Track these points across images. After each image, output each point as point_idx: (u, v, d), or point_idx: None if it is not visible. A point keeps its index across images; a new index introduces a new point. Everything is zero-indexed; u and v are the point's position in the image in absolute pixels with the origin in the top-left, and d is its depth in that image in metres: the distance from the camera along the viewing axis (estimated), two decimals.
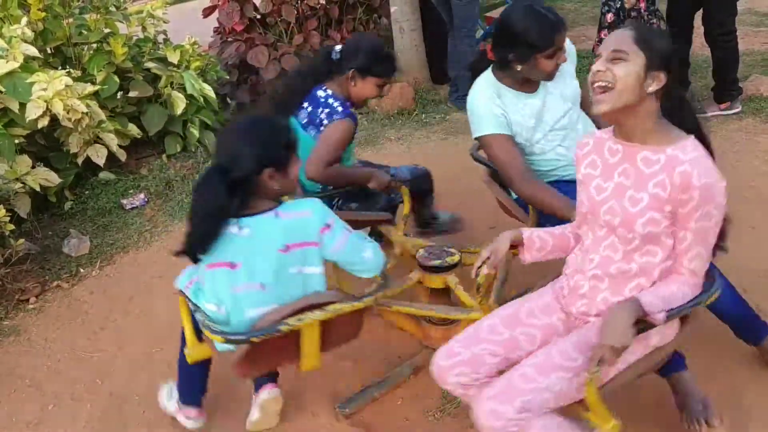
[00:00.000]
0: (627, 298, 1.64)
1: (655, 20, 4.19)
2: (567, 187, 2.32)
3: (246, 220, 1.92)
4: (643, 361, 1.79)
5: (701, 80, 4.82)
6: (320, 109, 2.68)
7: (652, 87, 1.65)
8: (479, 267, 1.94)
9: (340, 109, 2.66)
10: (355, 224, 2.50)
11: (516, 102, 2.50)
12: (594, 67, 1.68)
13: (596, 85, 1.67)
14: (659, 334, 1.76)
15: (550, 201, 2.35)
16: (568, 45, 2.47)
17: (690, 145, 1.65)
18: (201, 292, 2.05)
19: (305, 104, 2.74)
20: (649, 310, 1.58)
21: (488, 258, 1.92)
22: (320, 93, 2.71)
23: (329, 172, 2.64)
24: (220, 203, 1.86)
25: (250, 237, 1.92)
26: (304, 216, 1.98)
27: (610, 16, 4.21)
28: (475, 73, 2.65)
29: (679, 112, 1.72)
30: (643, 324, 1.60)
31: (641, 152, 1.71)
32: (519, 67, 2.41)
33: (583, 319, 1.84)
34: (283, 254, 1.95)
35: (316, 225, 1.98)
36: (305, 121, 2.73)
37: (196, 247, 1.92)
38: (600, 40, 4.39)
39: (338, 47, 2.74)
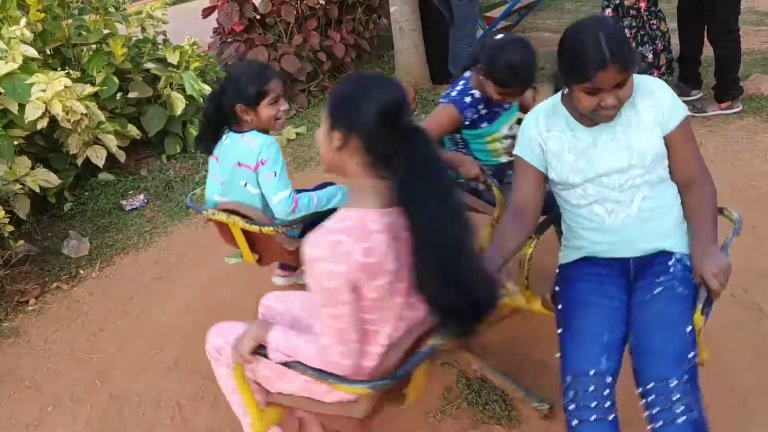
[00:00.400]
0: (264, 321, 1.90)
1: (655, 20, 4.17)
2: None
3: (230, 134, 2.52)
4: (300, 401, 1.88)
5: (702, 79, 4.80)
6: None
7: (335, 144, 1.56)
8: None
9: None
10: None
11: (565, 128, 2.01)
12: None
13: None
14: (306, 383, 1.80)
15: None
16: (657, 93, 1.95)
17: (341, 215, 1.56)
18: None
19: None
20: (270, 343, 1.70)
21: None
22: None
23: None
24: (208, 115, 2.54)
25: (226, 146, 2.53)
26: (252, 146, 2.45)
27: (609, 12, 4.20)
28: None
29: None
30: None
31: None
32: (566, 90, 1.99)
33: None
34: (236, 167, 2.48)
35: (254, 156, 2.43)
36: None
37: (198, 142, 2.73)
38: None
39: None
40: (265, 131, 2.55)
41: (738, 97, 4.43)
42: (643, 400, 1.70)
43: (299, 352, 1.65)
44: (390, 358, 1.68)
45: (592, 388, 1.74)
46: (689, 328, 1.73)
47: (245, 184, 2.51)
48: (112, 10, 4.84)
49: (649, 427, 1.68)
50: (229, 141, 2.53)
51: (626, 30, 4.09)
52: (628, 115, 1.91)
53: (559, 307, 1.97)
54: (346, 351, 1.55)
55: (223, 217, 2.53)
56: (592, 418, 1.72)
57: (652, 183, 1.92)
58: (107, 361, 2.93)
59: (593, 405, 1.73)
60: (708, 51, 4.46)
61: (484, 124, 2.69)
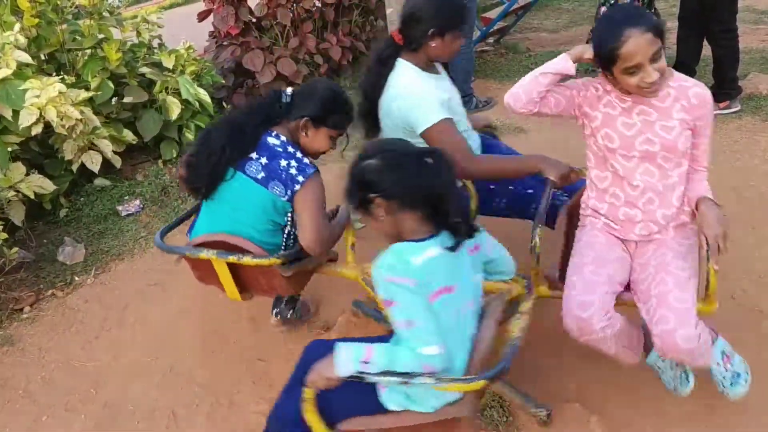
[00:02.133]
0: (703, 198, 2.00)
1: None
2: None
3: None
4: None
5: (701, 79, 4.76)
6: (284, 162, 2.26)
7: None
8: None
9: (307, 161, 2.31)
10: None
11: (435, 82, 2.50)
12: (648, 79, 1.89)
13: (654, 88, 1.93)
14: None
15: (505, 166, 2.47)
16: None
17: (679, 74, 2.03)
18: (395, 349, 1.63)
19: (255, 155, 2.29)
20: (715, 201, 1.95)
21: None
22: (272, 141, 2.31)
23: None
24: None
25: (450, 252, 1.67)
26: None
27: (603, 10, 4.17)
28: (383, 62, 2.51)
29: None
30: None
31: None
32: (433, 44, 2.41)
33: (645, 239, 2.12)
34: (471, 260, 1.78)
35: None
36: (262, 175, 2.27)
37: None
38: (593, 31, 4.34)
39: (289, 90, 2.40)
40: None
41: (736, 96, 4.41)
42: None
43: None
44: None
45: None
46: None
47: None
48: (106, 14, 4.82)
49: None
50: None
51: None
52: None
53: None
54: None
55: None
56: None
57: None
58: (102, 369, 2.90)
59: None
60: (705, 51, 4.44)
61: None
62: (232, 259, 2.27)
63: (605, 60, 1.94)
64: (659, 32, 1.86)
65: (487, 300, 1.86)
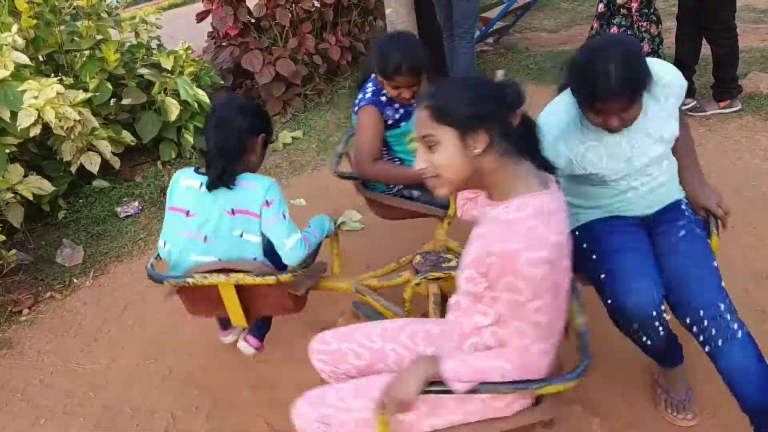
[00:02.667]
0: (427, 356, 1.58)
1: (645, 22, 4.08)
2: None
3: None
4: (471, 428, 1.65)
5: (700, 78, 4.76)
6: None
7: (478, 149, 1.46)
8: None
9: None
10: (407, 213, 2.77)
11: (599, 135, 2.04)
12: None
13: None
14: (482, 403, 1.61)
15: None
16: None
17: (520, 204, 1.47)
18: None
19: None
20: (448, 376, 1.49)
21: None
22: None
23: (376, 169, 2.59)
24: (238, 143, 2.22)
25: (206, 194, 2.18)
26: (252, 188, 2.18)
27: (601, 6, 4.15)
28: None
29: (529, 142, 1.56)
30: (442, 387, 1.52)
31: (492, 209, 1.55)
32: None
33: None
34: (228, 216, 2.18)
35: (259, 198, 2.17)
36: (238, 232, 2.26)
37: (215, 180, 2.16)
38: (592, 29, 4.32)
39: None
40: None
41: (737, 95, 4.40)
42: (695, 328, 1.88)
43: (489, 373, 1.49)
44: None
45: (657, 323, 1.91)
46: (715, 263, 1.96)
47: (241, 234, 2.20)
48: (104, 15, 4.82)
49: (707, 349, 1.87)
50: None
51: (614, 28, 4.04)
52: (654, 111, 2.00)
53: (594, 257, 2.05)
54: (547, 347, 1.49)
55: (220, 278, 2.20)
56: (662, 335, 1.97)
57: (669, 151, 2.11)
58: (101, 371, 2.89)
59: (662, 331, 1.95)
60: (705, 50, 4.42)
61: (403, 123, 2.68)
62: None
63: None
64: (444, 118, 1.46)
65: (246, 260, 2.24)
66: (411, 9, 5.46)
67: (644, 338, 1.96)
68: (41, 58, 4.56)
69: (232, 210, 2.18)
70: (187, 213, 2.21)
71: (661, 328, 1.93)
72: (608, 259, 2.00)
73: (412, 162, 2.72)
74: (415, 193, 2.77)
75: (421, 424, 1.63)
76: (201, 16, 5.87)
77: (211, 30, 6.01)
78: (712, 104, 4.41)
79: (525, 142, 1.53)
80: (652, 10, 4.07)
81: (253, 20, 5.74)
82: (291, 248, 2.20)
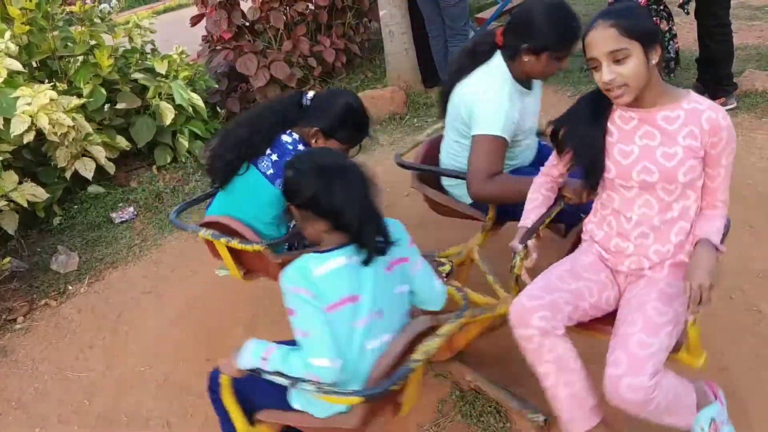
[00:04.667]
0: (703, 240, 1.77)
1: (654, 18, 4.06)
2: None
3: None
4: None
5: (695, 77, 4.75)
6: None
7: (654, 60, 1.75)
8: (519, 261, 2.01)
9: None
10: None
11: (519, 99, 2.40)
12: (603, 78, 1.75)
13: (613, 92, 1.77)
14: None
15: (515, 188, 2.27)
16: None
17: (698, 97, 1.82)
18: (290, 354, 1.68)
19: (269, 152, 2.37)
20: (718, 246, 1.76)
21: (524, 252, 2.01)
22: (286, 138, 2.38)
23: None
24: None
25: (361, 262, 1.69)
26: (396, 227, 1.80)
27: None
28: (475, 56, 2.43)
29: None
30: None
31: (659, 113, 1.82)
32: (526, 59, 2.30)
33: (636, 274, 1.95)
34: (388, 273, 1.75)
35: (406, 238, 1.81)
36: (271, 171, 2.36)
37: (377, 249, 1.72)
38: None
39: (310, 94, 2.45)
40: None
41: (732, 93, 4.38)
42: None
43: (721, 229, 1.81)
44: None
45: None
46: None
47: (399, 291, 1.80)
48: (97, 20, 4.79)
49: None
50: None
51: None
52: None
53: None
54: None
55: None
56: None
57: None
58: (96, 379, 2.88)
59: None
60: (693, 46, 4.40)
61: None
62: (224, 241, 2.36)
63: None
64: (631, 33, 1.69)
65: (418, 318, 1.83)
66: (405, 11, 5.46)
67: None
68: (34, 65, 4.55)
69: (390, 264, 1.76)
70: (353, 299, 1.68)
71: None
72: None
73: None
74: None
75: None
76: (195, 20, 5.87)
77: (205, 34, 6.00)
78: None
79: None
80: (662, 7, 4.04)
81: (247, 23, 5.74)
82: (440, 289, 1.94)
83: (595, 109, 1.93)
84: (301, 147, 2.36)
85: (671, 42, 4.12)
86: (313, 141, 2.37)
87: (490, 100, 2.33)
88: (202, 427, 2.51)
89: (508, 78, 2.37)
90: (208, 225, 2.48)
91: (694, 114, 1.79)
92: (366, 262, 1.67)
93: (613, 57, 1.72)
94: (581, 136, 1.95)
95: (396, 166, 2.73)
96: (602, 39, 1.73)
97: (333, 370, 1.60)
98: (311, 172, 1.67)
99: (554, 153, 2.11)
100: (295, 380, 1.62)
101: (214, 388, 1.97)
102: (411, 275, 1.83)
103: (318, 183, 1.64)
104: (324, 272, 1.64)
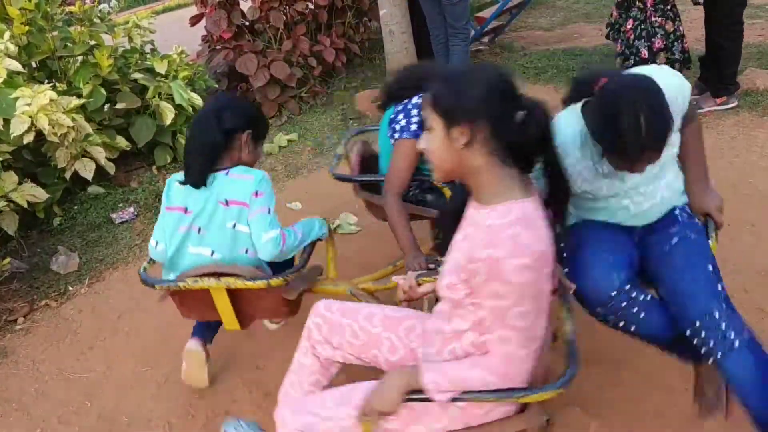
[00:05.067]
0: (408, 367, 1.62)
1: (659, 18, 4.01)
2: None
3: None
4: None
5: (695, 75, 4.74)
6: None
7: (459, 143, 1.44)
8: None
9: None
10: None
11: (598, 158, 1.99)
12: (419, 145, 1.60)
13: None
14: (461, 410, 1.60)
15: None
16: None
17: (503, 210, 1.44)
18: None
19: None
20: (429, 387, 1.51)
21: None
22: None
23: (398, 206, 2.45)
24: (216, 142, 2.25)
25: (205, 188, 2.23)
26: (246, 179, 2.23)
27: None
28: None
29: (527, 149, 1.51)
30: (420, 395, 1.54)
31: (476, 213, 1.53)
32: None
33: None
34: (222, 207, 2.22)
35: (250, 189, 2.21)
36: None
37: (194, 178, 2.23)
38: (611, 16, 4.28)
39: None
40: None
41: (734, 92, 4.38)
42: (695, 340, 1.83)
43: (470, 383, 1.50)
44: (545, 358, 1.64)
45: (624, 303, 1.90)
46: (710, 267, 1.90)
47: (233, 225, 2.22)
48: (97, 21, 4.79)
49: (710, 361, 1.83)
50: (210, 181, 2.23)
51: (630, 21, 3.97)
52: None
53: (564, 255, 2.03)
54: (528, 354, 1.47)
55: (210, 282, 2.18)
56: (642, 316, 1.92)
57: (668, 165, 2.04)
58: (96, 380, 2.87)
59: (635, 311, 1.91)
60: (700, 47, 4.38)
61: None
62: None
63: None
64: (438, 108, 1.48)
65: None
66: (405, 10, 5.45)
67: (620, 322, 1.94)
68: (34, 65, 4.55)
69: (226, 201, 2.22)
70: (185, 210, 2.26)
71: (634, 308, 1.91)
72: (575, 251, 2.01)
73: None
74: (429, 197, 2.71)
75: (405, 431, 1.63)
76: (194, 20, 5.86)
77: (205, 34, 5.99)
78: (709, 101, 4.38)
79: (522, 148, 1.49)
80: (669, 7, 4.01)
81: (247, 23, 5.73)
82: (265, 242, 2.21)
83: None
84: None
85: (676, 43, 4.07)
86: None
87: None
88: (203, 427, 2.49)
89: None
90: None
91: (477, 226, 1.49)
92: (182, 183, 2.26)
93: (425, 126, 1.56)
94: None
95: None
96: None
97: (155, 251, 2.33)
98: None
99: None
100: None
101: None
102: (249, 221, 2.22)
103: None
104: (173, 185, 2.29)
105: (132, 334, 3.15)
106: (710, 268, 1.89)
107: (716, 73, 4.34)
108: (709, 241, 2.00)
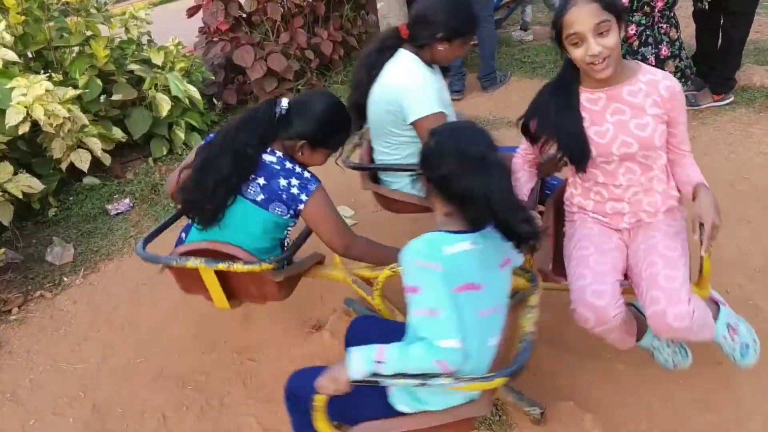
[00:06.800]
0: (700, 185, 1.94)
1: (665, 25, 3.94)
2: None
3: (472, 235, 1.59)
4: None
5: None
6: (283, 181, 2.14)
7: (623, 33, 1.89)
8: None
9: (308, 175, 2.18)
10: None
11: (434, 79, 2.53)
12: (590, 52, 1.85)
13: (597, 65, 1.88)
14: None
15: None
16: None
17: (648, 68, 2.01)
18: (409, 347, 1.51)
19: (253, 176, 2.15)
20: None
21: None
22: (269, 158, 2.16)
23: (359, 245, 2.27)
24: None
25: (482, 251, 1.60)
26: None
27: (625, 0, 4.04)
28: (383, 53, 2.54)
29: None
30: None
31: (623, 89, 1.99)
32: (441, 47, 2.47)
33: (637, 225, 2.11)
34: (502, 271, 1.68)
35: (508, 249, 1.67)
36: (261, 197, 2.15)
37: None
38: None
39: (284, 103, 2.21)
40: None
41: (733, 88, 4.38)
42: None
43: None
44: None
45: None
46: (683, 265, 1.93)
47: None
48: (93, 11, 4.77)
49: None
50: (485, 242, 1.60)
51: (633, 26, 3.89)
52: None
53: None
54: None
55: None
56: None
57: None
58: (91, 371, 2.86)
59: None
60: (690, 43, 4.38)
61: None
62: (222, 266, 2.17)
63: (557, 32, 1.92)
64: (610, 7, 1.83)
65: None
66: (403, 3, 5.44)
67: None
68: (30, 55, 4.52)
69: (504, 261, 1.68)
70: (475, 287, 1.58)
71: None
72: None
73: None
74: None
75: None
76: (192, 12, 5.83)
77: (202, 25, 5.97)
78: (707, 97, 4.38)
79: None
80: (672, 14, 3.96)
81: (244, 15, 5.70)
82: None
83: (564, 97, 2.04)
84: (288, 164, 2.16)
85: (681, 51, 4.01)
86: (299, 154, 2.21)
87: (417, 86, 2.45)
88: (198, 419, 2.49)
89: (421, 64, 2.51)
90: (190, 253, 2.26)
91: (653, 85, 1.98)
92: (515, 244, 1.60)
93: (597, 30, 1.83)
94: (560, 126, 2.03)
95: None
96: (586, 13, 1.83)
97: (460, 353, 1.46)
98: (451, 154, 1.55)
99: (526, 143, 2.24)
100: (424, 377, 1.48)
101: (298, 406, 1.84)
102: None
103: (454, 166, 1.53)
104: (454, 251, 1.53)
105: (127, 325, 3.14)
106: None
107: (718, 69, 4.33)
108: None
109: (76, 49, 4.55)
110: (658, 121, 1.98)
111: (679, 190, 2.09)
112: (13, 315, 3.33)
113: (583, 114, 2.03)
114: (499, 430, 2.24)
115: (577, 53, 1.89)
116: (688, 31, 4.55)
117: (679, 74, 3.91)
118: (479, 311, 1.57)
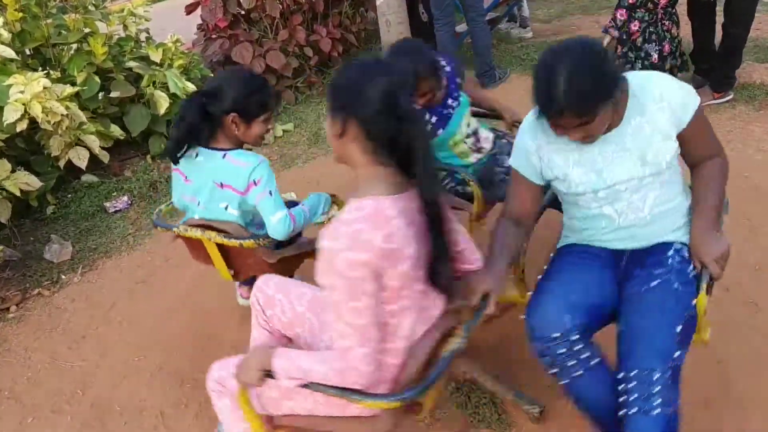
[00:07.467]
0: (265, 348, 1.68)
1: (668, 21, 3.91)
2: None
3: (204, 150, 2.32)
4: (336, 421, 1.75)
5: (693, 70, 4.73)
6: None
7: (333, 132, 1.54)
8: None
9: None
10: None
11: (567, 140, 1.92)
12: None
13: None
14: (325, 397, 1.66)
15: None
16: None
17: (357, 205, 1.48)
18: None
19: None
20: (276, 371, 1.60)
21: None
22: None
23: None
24: (191, 120, 2.25)
25: (199, 163, 2.33)
26: (240, 165, 2.26)
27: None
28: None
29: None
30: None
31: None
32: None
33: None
34: (216, 187, 2.31)
35: (245, 177, 2.25)
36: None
37: (171, 152, 2.32)
38: (614, 19, 4.05)
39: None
40: (244, 147, 2.39)
41: (733, 86, 4.37)
42: (622, 385, 1.70)
43: (312, 374, 1.55)
44: (411, 366, 1.62)
45: (563, 350, 1.79)
46: (679, 329, 1.71)
47: (226, 207, 2.35)
48: (92, 8, 4.76)
49: (622, 411, 1.69)
50: (204, 158, 2.33)
51: (636, 22, 3.84)
52: (638, 123, 1.81)
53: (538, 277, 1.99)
54: (368, 354, 1.47)
55: (197, 233, 2.40)
56: (577, 374, 1.80)
57: (664, 182, 1.86)
58: (89, 369, 2.86)
59: (571, 364, 1.79)
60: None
61: (440, 131, 2.62)
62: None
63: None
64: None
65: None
66: (402, 0, 5.43)
67: (553, 369, 1.83)
68: (28, 52, 4.50)
69: (221, 183, 2.30)
70: (185, 178, 2.40)
71: (571, 362, 1.79)
72: (543, 278, 1.97)
73: (459, 164, 2.73)
74: (459, 188, 2.72)
75: (283, 406, 1.77)
76: (190, 9, 5.82)
77: (200, 22, 5.95)
78: (706, 95, 4.37)
79: (398, 149, 1.50)
80: (674, 11, 3.93)
81: (242, 12, 5.69)
82: (275, 224, 2.28)
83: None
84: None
85: (679, 48, 3.99)
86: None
87: None
88: (196, 416, 2.49)
89: None
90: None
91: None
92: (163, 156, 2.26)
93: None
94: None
95: None
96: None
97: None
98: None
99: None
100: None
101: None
102: (257, 207, 2.30)
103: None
104: (190, 152, 2.34)
105: (125, 323, 3.14)
106: (678, 329, 1.70)
107: (719, 68, 4.32)
108: (699, 293, 1.76)
109: (74, 46, 4.54)
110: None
111: None
112: (11, 313, 3.32)
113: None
114: (499, 428, 2.24)
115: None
116: (685, 29, 4.54)
117: (671, 72, 3.92)
118: (182, 194, 2.47)
